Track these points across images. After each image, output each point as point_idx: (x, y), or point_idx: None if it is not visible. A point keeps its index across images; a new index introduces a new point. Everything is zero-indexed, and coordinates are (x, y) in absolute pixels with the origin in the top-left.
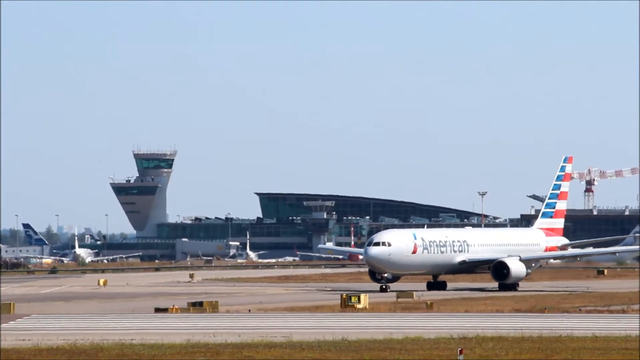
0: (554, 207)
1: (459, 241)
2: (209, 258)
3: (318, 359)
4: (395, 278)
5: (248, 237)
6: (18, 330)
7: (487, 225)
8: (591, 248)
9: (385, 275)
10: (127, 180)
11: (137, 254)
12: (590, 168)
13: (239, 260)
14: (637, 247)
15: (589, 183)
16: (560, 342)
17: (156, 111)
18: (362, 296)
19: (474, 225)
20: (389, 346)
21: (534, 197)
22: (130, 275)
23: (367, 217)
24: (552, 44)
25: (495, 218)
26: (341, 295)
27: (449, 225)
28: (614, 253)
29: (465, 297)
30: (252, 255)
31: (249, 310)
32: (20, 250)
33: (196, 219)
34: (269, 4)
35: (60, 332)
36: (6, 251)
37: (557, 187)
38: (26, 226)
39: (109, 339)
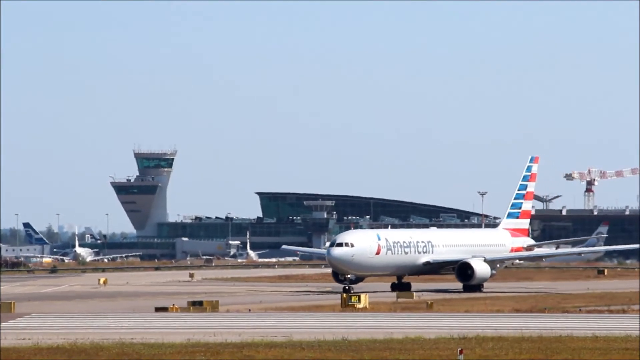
0: (520, 208)
1: (423, 242)
2: (209, 257)
3: (318, 359)
4: (358, 279)
5: (248, 236)
6: (18, 329)
7: (487, 226)
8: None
9: (349, 276)
10: (127, 180)
11: (137, 253)
12: (590, 168)
13: (239, 260)
14: (602, 247)
15: (590, 183)
16: (560, 342)
17: (157, 111)
18: (363, 296)
19: (474, 225)
20: (389, 346)
21: (534, 197)
22: (130, 275)
23: (367, 217)
24: (552, 44)
25: (495, 218)
26: (341, 295)
27: (449, 226)
28: (579, 254)
29: (465, 297)
30: (252, 254)
31: (249, 310)
32: (21, 250)
33: (196, 218)
34: (269, 4)
35: (60, 331)
36: (6, 250)
37: (524, 187)
38: (26, 225)
39: (109, 338)
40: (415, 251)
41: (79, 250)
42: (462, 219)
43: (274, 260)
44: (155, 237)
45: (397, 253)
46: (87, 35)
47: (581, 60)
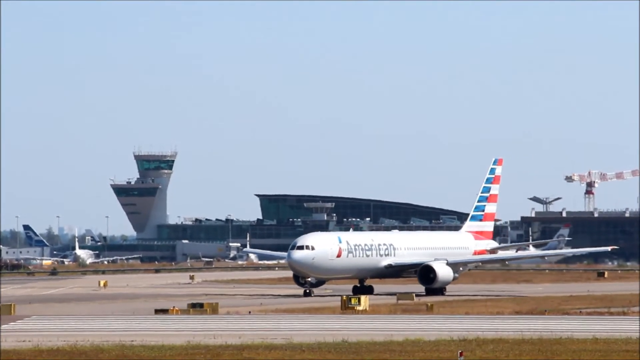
0: (483, 210)
1: (385, 245)
2: (209, 259)
3: None
4: (319, 282)
5: (248, 238)
6: (18, 331)
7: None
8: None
9: (309, 279)
10: (127, 182)
11: (137, 255)
12: (590, 170)
13: (239, 262)
14: (573, 250)
15: (590, 185)
16: (560, 344)
17: (157, 112)
18: (363, 298)
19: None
20: (389, 348)
21: (535, 199)
22: (130, 277)
23: (367, 219)
24: (552, 44)
25: (495, 220)
26: (341, 297)
27: (449, 228)
28: (542, 257)
29: (465, 299)
30: (253, 256)
31: (250, 312)
32: (21, 252)
33: (196, 220)
34: (269, 4)
35: (60, 333)
36: (7, 252)
37: (487, 189)
38: (26, 227)
39: (109, 340)
40: (376, 254)
41: (79, 252)
42: (462, 220)
43: (274, 262)
44: (156, 240)
45: (359, 256)
46: (86, 36)
47: (581, 61)
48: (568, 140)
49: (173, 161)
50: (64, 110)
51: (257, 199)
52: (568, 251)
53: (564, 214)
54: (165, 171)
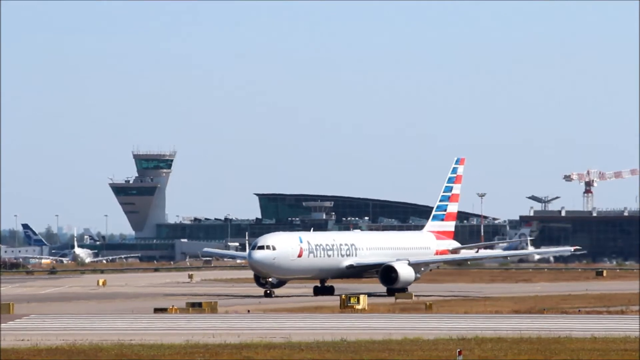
0: (445, 210)
1: (346, 245)
2: (208, 259)
3: None
4: (280, 283)
5: (247, 237)
6: (17, 330)
7: (486, 227)
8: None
9: (270, 279)
10: (126, 181)
11: (136, 254)
12: (589, 169)
13: (238, 261)
14: (535, 250)
15: (588, 184)
16: (559, 343)
17: (155, 112)
18: (362, 297)
19: (472, 226)
20: (388, 347)
21: (533, 198)
22: (129, 276)
23: (366, 218)
24: (552, 44)
25: (494, 219)
26: (340, 296)
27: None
28: (505, 257)
29: (464, 298)
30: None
31: (248, 311)
32: (20, 251)
33: (195, 219)
34: (267, 4)
35: (59, 332)
36: (5, 251)
37: (449, 189)
38: (25, 226)
39: (108, 339)
40: (338, 254)
41: (77, 251)
42: (461, 220)
43: None
44: (154, 239)
45: (320, 256)
46: (86, 35)
47: (581, 61)
48: (567, 139)
49: (172, 160)
50: (62, 110)
51: (256, 198)
52: (530, 252)
53: (563, 213)
54: (164, 170)
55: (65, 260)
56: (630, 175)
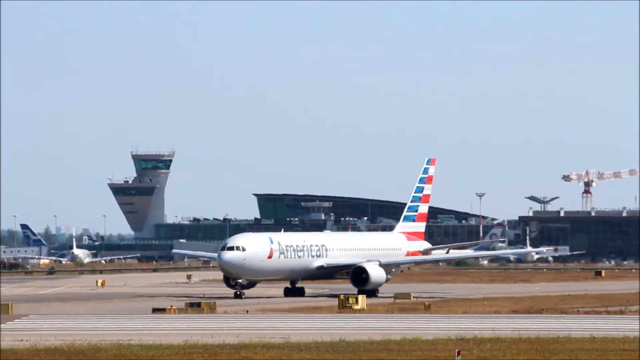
0: (416, 211)
1: (317, 246)
2: (207, 259)
3: None
4: (250, 284)
5: None
6: (16, 330)
7: (485, 227)
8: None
9: (240, 281)
10: (125, 181)
11: (135, 254)
12: (588, 169)
13: None
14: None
15: (587, 184)
16: (558, 343)
17: (154, 112)
18: (360, 297)
19: (471, 227)
20: (386, 347)
21: (532, 198)
22: (128, 276)
23: (365, 218)
24: (552, 44)
25: (493, 219)
26: (339, 297)
27: (447, 227)
28: (477, 258)
29: (463, 298)
30: None
31: (247, 311)
32: (19, 251)
33: (194, 219)
34: (267, 4)
35: (58, 332)
36: (4, 252)
37: (420, 189)
38: (24, 227)
39: (106, 340)
40: (308, 255)
41: (76, 251)
42: (460, 220)
43: None
44: (153, 239)
45: (290, 257)
46: (85, 36)
47: (580, 61)
48: (566, 139)
49: (170, 161)
50: (61, 110)
51: (255, 199)
52: (502, 252)
53: (562, 214)
54: (163, 171)
55: (64, 260)
56: (629, 176)
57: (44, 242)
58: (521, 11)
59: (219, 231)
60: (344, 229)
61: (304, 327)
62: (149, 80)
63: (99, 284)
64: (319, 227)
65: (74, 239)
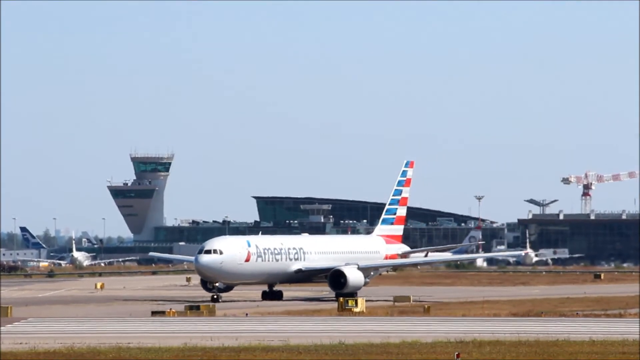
0: (394, 214)
1: (294, 249)
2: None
3: None
4: (228, 287)
5: None
6: (15, 333)
7: (484, 230)
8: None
9: (217, 284)
10: (124, 184)
11: (134, 257)
12: (587, 172)
13: None
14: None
15: (587, 187)
16: (557, 346)
17: (153, 114)
18: (359, 300)
19: (470, 229)
20: (386, 350)
21: (531, 201)
22: (127, 279)
23: (364, 221)
24: (550, 45)
25: (492, 222)
26: (338, 299)
27: (446, 230)
28: (456, 261)
29: (462, 301)
30: None
31: (246, 314)
32: (18, 254)
33: (193, 222)
34: (266, 6)
35: (57, 335)
36: (3, 254)
37: (398, 192)
38: (23, 229)
39: (106, 343)
40: (286, 258)
41: (75, 254)
42: (459, 223)
43: None
44: (152, 242)
45: (268, 260)
46: (84, 38)
47: (579, 63)
48: (565, 142)
49: (170, 163)
50: (60, 113)
51: (254, 201)
52: (480, 255)
53: (561, 216)
54: (162, 173)
55: (63, 263)
56: (629, 178)
57: (43, 244)
58: (521, 11)
59: (218, 234)
60: (344, 231)
61: (304, 329)
62: (149, 82)
63: (98, 286)
64: (319, 229)
65: (73, 242)
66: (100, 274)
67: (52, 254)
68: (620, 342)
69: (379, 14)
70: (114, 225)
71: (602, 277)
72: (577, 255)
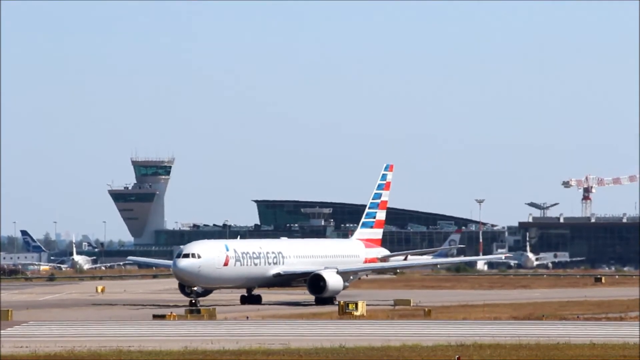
0: (374, 217)
1: (273, 253)
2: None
3: None
4: (206, 292)
5: None
6: (16, 337)
7: (485, 234)
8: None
9: (195, 288)
10: (125, 187)
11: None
12: (588, 175)
13: None
14: (460, 258)
15: (587, 190)
16: (557, 349)
17: (154, 118)
18: (360, 303)
19: (471, 233)
20: (386, 353)
21: (532, 204)
22: (128, 283)
23: None
24: (550, 47)
25: (493, 226)
26: (339, 303)
27: (447, 233)
28: (435, 265)
29: (463, 304)
30: None
31: (247, 317)
32: (18, 257)
33: (194, 225)
34: (266, 8)
35: (58, 339)
36: (4, 258)
37: (378, 196)
38: (24, 233)
39: (106, 346)
40: (265, 262)
41: (76, 258)
42: (460, 226)
43: None
44: (153, 245)
45: (246, 264)
46: (84, 40)
47: (579, 64)
48: (565, 145)
49: (170, 167)
50: (61, 116)
51: (255, 205)
52: (459, 259)
53: (562, 220)
54: (163, 177)
55: (63, 266)
56: (629, 182)
57: (43, 248)
58: (521, 11)
59: (218, 237)
60: (344, 235)
61: (304, 333)
62: (149, 86)
63: (99, 290)
64: (319, 233)
65: (73, 245)
66: (100, 278)
67: (52, 257)
68: (621, 345)
69: (379, 14)
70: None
71: (602, 280)
72: (577, 258)
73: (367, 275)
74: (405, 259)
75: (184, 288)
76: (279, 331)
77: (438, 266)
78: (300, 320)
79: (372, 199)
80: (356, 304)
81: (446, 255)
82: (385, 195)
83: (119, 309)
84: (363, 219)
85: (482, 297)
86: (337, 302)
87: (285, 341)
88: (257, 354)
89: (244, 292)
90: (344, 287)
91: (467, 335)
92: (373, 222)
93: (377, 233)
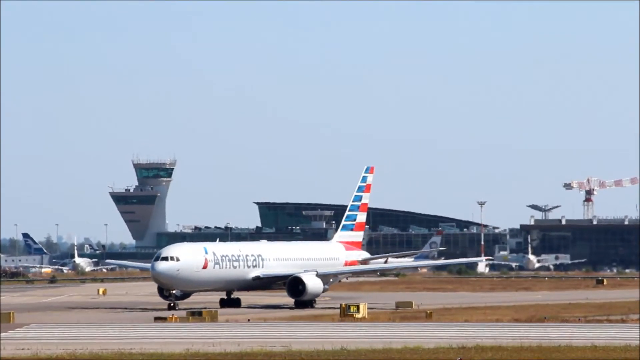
0: (354, 220)
1: (253, 255)
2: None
3: None
4: (185, 295)
5: None
6: (18, 339)
7: (486, 236)
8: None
9: (174, 292)
10: (126, 190)
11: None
12: (589, 178)
13: None
14: (448, 261)
15: (589, 193)
16: (559, 351)
17: (156, 120)
18: (361, 305)
19: (473, 235)
20: (388, 355)
21: (534, 206)
22: (129, 285)
23: (367, 227)
24: (551, 49)
25: (494, 228)
26: (340, 305)
27: (448, 235)
28: (415, 268)
29: (464, 306)
30: None
31: (249, 320)
32: (20, 260)
33: (195, 228)
34: (266, 9)
35: (59, 341)
36: (5, 260)
37: (358, 198)
38: (25, 235)
39: (108, 349)
40: (244, 265)
41: (78, 260)
42: (462, 228)
43: None
44: (155, 247)
45: (226, 267)
46: (85, 41)
47: (580, 68)
48: (567, 147)
49: (172, 169)
50: (62, 118)
51: (256, 207)
52: (441, 262)
53: (563, 222)
54: (164, 179)
55: (65, 269)
56: (631, 184)
57: (45, 250)
58: (520, 14)
59: (220, 240)
60: None
61: (306, 335)
62: (151, 88)
63: (101, 292)
64: (321, 235)
65: (75, 248)
66: (102, 280)
67: (54, 260)
68: (622, 347)
69: (379, 14)
70: (116, 231)
71: (604, 282)
72: (579, 260)
73: (347, 278)
74: (385, 262)
75: (162, 291)
76: (280, 333)
77: (419, 269)
78: (301, 323)
79: (353, 202)
80: (358, 306)
81: (427, 257)
82: (366, 198)
83: (121, 311)
84: (343, 222)
85: (484, 300)
86: (316, 305)
87: (286, 343)
88: (258, 356)
89: (223, 295)
90: (324, 290)
91: (469, 337)
92: (353, 224)
93: (358, 236)
